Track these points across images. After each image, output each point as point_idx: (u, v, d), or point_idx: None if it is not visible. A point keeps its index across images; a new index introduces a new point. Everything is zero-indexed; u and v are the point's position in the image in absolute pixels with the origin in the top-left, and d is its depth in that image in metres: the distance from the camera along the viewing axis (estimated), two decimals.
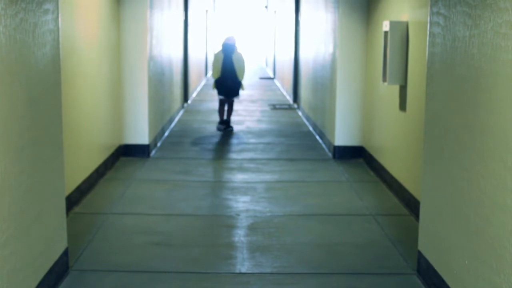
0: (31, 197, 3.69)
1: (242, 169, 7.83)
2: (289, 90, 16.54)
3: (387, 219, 5.79)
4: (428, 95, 4.37)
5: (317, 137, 10.29)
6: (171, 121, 11.34)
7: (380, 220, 5.73)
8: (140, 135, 8.43)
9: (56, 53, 4.18)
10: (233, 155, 8.74)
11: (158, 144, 9.35)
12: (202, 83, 20.74)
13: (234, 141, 9.88)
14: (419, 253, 4.45)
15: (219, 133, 10.59)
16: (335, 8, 8.59)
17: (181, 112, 13.21)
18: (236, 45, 10.78)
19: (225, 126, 10.85)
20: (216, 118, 12.17)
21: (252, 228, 5.49)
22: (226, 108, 11.17)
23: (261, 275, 4.48)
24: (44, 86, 3.96)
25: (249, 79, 22.48)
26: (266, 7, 29.26)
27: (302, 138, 10.26)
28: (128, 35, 8.21)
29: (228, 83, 10.76)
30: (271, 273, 4.50)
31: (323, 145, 9.51)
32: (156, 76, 9.21)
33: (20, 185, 3.51)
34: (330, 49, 9.01)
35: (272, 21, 25.90)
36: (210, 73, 24.36)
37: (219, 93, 11.01)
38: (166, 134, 10.37)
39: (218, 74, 10.76)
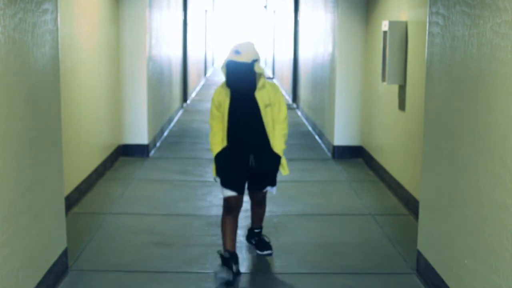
0: (30, 197, 3.69)
1: None
2: (288, 89, 16.54)
3: (387, 218, 5.79)
4: (427, 94, 4.37)
5: (316, 137, 10.29)
6: (170, 121, 11.34)
7: (380, 220, 5.73)
8: (139, 135, 8.43)
9: (55, 53, 4.18)
10: None
11: (158, 144, 9.35)
12: (201, 83, 20.74)
13: None
14: (418, 252, 4.45)
15: None
16: (334, 8, 8.59)
17: (180, 112, 13.21)
18: (259, 66, 4.24)
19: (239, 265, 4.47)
20: None
21: None
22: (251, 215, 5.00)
23: (261, 275, 4.47)
24: (43, 86, 3.96)
25: None
26: (265, 7, 29.24)
27: (301, 138, 10.26)
28: (128, 35, 8.21)
29: (248, 161, 4.45)
30: (271, 273, 4.50)
31: (322, 145, 9.51)
32: (155, 76, 9.21)
33: (19, 185, 3.51)
34: (329, 49, 9.01)
35: (271, 21, 25.89)
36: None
37: (226, 184, 4.45)
38: (165, 134, 10.37)
39: (223, 142, 4.45)
